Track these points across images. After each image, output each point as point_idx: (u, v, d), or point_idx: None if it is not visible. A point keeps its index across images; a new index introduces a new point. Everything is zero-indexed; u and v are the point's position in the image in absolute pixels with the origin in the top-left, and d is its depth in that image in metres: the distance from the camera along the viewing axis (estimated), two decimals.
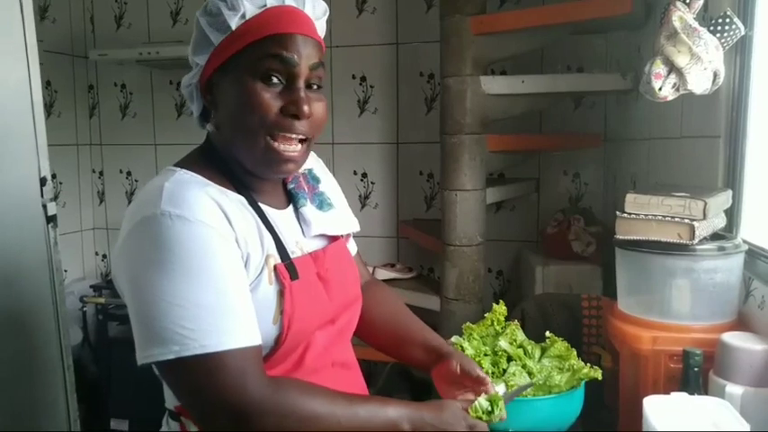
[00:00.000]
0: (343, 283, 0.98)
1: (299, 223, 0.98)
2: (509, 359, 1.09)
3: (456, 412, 0.89)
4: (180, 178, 0.85)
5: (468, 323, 1.18)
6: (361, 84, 2.58)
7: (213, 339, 0.76)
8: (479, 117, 1.94)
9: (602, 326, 1.50)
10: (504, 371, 1.07)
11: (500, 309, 1.16)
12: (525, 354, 1.10)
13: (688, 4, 1.20)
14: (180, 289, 0.76)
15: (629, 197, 1.15)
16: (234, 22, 0.85)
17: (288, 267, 0.87)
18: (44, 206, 1.44)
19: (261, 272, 0.85)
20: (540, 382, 1.05)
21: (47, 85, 2.65)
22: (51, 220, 1.46)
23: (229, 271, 0.80)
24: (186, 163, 0.90)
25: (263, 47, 0.85)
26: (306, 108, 0.85)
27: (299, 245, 0.94)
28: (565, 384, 1.06)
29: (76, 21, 2.84)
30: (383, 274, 2.34)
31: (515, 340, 1.12)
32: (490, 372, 1.05)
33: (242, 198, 0.89)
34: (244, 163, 0.89)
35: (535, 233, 2.41)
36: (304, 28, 0.88)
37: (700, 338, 1.09)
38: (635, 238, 1.15)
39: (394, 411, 0.85)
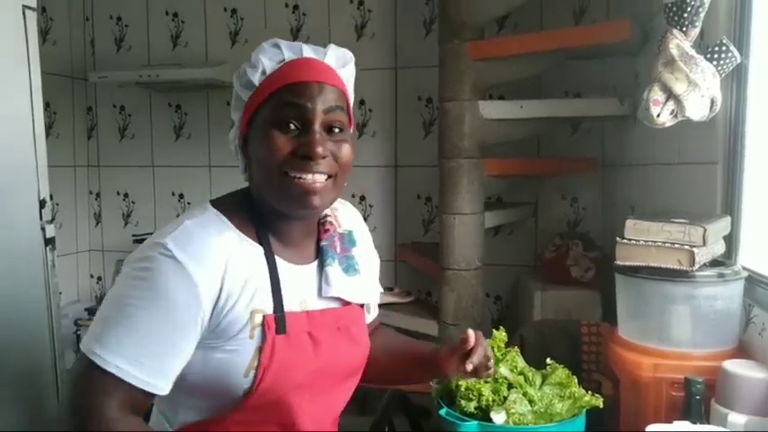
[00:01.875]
0: (339, 350, 0.97)
1: (320, 280, 0.99)
2: (510, 386, 1.08)
3: None
4: (205, 219, 0.91)
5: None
6: (359, 107, 2.60)
7: (112, 358, 0.83)
8: (477, 141, 1.95)
9: (601, 352, 1.49)
10: (505, 398, 1.05)
11: (500, 335, 1.15)
12: (526, 381, 1.09)
13: (685, 32, 1.21)
14: (130, 312, 0.84)
15: (629, 223, 1.15)
16: (256, 79, 0.92)
17: (277, 320, 0.90)
18: (42, 228, 1.44)
19: (244, 325, 0.88)
20: (542, 410, 1.04)
21: (46, 106, 2.65)
22: (50, 242, 1.45)
23: (176, 323, 0.85)
24: (223, 202, 0.96)
25: (280, 97, 0.90)
26: (319, 149, 0.89)
27: (305, 303, 0.96)
28: (566, 412, 1.05)
29: (77, 43, 2.86)
30: (381, 298, 2.32)
31: (516, 367, 1.11)
32: (491, 399, 1.04)
33: (258, 249, 0.93)
34: (271, 203, 0.93)
35: (533, 258, 2.41)
36: (319, 76, 0.92)
37: (701, 366, 1.08)
38: (635, 263, 1.14)
39: None
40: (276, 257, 0.94)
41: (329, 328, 0.97)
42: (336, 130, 0.93)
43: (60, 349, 1.49)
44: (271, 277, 0.92)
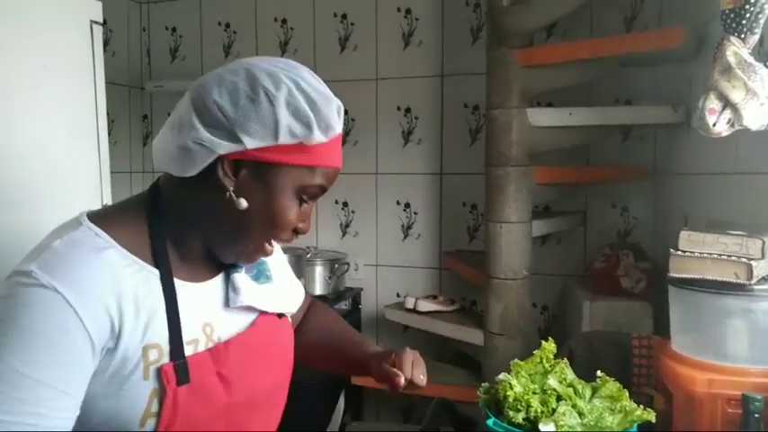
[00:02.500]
0: (252, 374, 0.87)
1: (227, 291, 0.89)
2: (558, 398, 1.06)
3: None
4: (77, 238, 0.76)
5: (516, 360, 1.16)
6: (405, 115, 2.61)
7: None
8: (525, 149, 1.93)
9: (653, 366, 1.45)
10: (554, 410, 1.04)
11: (549, 346, 1.14)
12: (576, 393, 1.07)
13: (743, 39, 1.18)
14: (6, 353, 0.69)
15: (683, 234, 1.12)
16: (315, 141, 0.79)
17: (177, 369, 0.77)
18: None
19: (136, 365, 0.76)
20: (592, 423, 1.02)
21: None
22: None
23: (62, 359, 0.71)
24: (104, 218, 0.81)
25: (317, 175, 0.82)
26: (308, 227, 0.87)
27: (209, 329, 0.84)
28: (617, 426, 1.03)
29: (134, 54, 2.98)
30: (425, 305, 2.33)
31: (565, 379, 1.09)
32: (539, 411, 1.03)
33: (152, 273, 0.80)
34: (216, 250, 0.85)
35: (582, 268, 2.37)
36: (341, 161, 0.86)
37: (759, 383, 1.04)
38: (689, 276, 1.12)
39: None
40: (175, 280, 0.81)
41: (240, 358, 0.85)
42: None
43: None
44: (167, 307, 0.79)
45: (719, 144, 1.39)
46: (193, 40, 2.91)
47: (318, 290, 2.51)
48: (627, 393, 1.09)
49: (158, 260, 0.81)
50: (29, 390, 0.69)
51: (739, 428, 0.97)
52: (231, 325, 0.88)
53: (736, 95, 1.16)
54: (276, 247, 0.96)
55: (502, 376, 1.12)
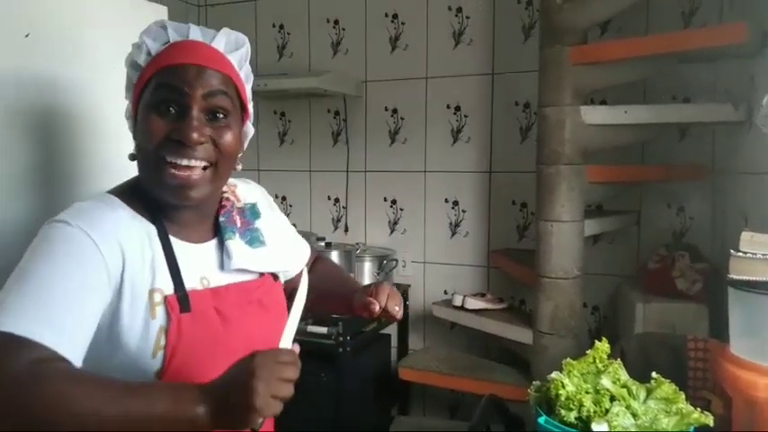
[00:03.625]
0: (251, 324, 0.95)
1: (221, 256, 0.98)
2: (612, 399, 1.06)
3: (241, 390, 0.72)
4: (98, 200, 0.91)
5: (568, 359, 1.16)
6: (455, 113, 2.62)
7: (10, 319, 0.74)
8: (578, 147, 1.91)
9: (709, 369, 1.42)
10: (607, 410, 1.03)
11: (603, 346, 1.13)
12: (629, 394, 1.06)
13: None
14: (27, 273, 0.79)
15: (745, 235, 1.10)
16: (141, 59, 0.92)
17: (180, 300, 0.88)
18: None
19: (144, 306, 0.86)
20: (646, 424, 1.01)
21: None
22: None
23: (78, 280, 0.80)
24: (117, 189, 0.96)
25: (159, 79, 0.90)
26: (194, 135, 0.87)
27: (206, 280, 0.94)
28: (672, 429, 1.02)
29: None
30: (473, 303, 2.33)
31: (619, 379, 1.09)
32: (592, 411, 1.03)
33: (152, 228, 0.92)
34: (150, 191, 0.92)
35: (635, 268, 2.32)
36: (201, 59, 0.90)
37: None
38: (751, 278, 1.09)
39: (191, 401, 0.72)
40: (171, 237, 0.93)
41: (237, 302, 0.95)
42: (220, 115, 0.91)
43: None
44: (166, 256, 0.90)
45: None
46: (249, 41, 2.97)
47: None
48: (683, 396, 1.07)
49: (152, 216, 0.93)
50: (56, 305, 0.78)
51: None
52: (227, 281, 0.97)
53: None
54: (274, 213, 1.12)
55: (554, 375, 1.12)
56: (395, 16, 2.68)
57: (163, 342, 0.86)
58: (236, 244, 0.99)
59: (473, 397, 2.30)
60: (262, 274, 1.03)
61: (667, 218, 2.31)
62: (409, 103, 2.67)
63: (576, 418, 1.04)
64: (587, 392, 1.06)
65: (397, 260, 2.66)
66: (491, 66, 2.55)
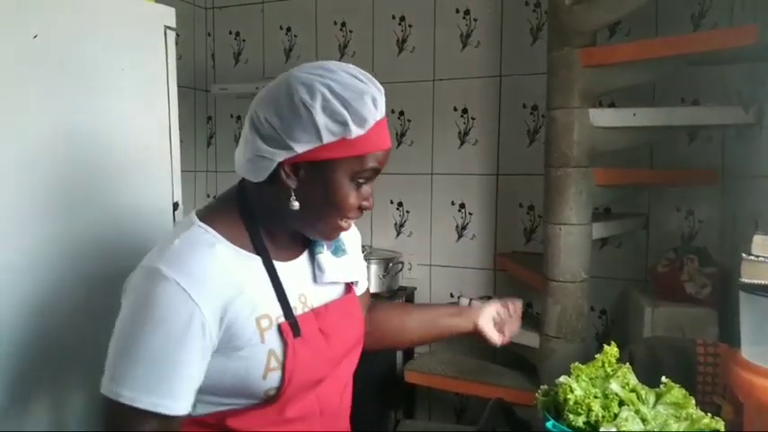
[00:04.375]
0: (344, 333, 1.06)
1: (314, 269, 1.06)
2: (621, 403, 1.04)
3: None
4: (192, 236, 0.92)
5: (576, 363, 1.15)
6: (462, 115, 2.61)
7: (130, 392, 0.84)
8: (587, 150, 1.90)
9: (719, 374, 1.41)
10: (616, 415, 1.02)
11: (612, 350, 1.12)
12: (638, 399, 1.05)
13: None
14: (137, 342, 0.85)
15: (758, 239, 1.08)
16: (354, 134, 0.89)
17: (292, 326, 0.95)
18: None
19: (252, 333, 0.92)
20: (656, 429, 1.00)
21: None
22: None
23: (185, 343, 0.86)
24: (209, 214, 0.97)
25: (367, 160, 0.93)
26: (371, 203, 0.98)
27: (303, 298, 1.01)
28: None
29: (200, 57, 3.08)
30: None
31: (627, 384, 1.07)
32: (600, 415, 1.02)
33: (257, 259, 0.96)
34: (303, 232, 1.00)
35: (643, 272, 2.31)
36: (389, 141, 0.97)
37: None
38: (763, 282, 1.08)
39: None
40: (275, 263, 0.97)
41: (335, 319, 1.03)
42: None
43: None
44: (273, 284, 0.96)
45: None
46: (256, 43, 2.99)
47: (373, 288, 2.54)
48: (693, 401, 1.06)
49: (257, 247, 0.96)
50: (159, 368, 0.85)
51: None
52: (320, 295, 1.05)
53: None
54: (352, 228, 1.16)
55: (562, 379, 1.11)
56: (402, 18, 2.67)
57: (273, 365, 0.93)
58: (325, 257, 1.06)
59: (479, 401, 2.28)
60: (347, 284, 1.12)
61: (676, 221, 2.29)
62: (416, 106, 2.66)
63: (584, 423, 1.03)
64: (596, 397, 1.05)
65: (403, 263, 2.65)
66: (499, 68, 2.54)
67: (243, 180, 1.00)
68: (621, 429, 0.99)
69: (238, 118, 3.06)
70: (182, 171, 3.04)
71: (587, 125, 1.89)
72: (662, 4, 2.22)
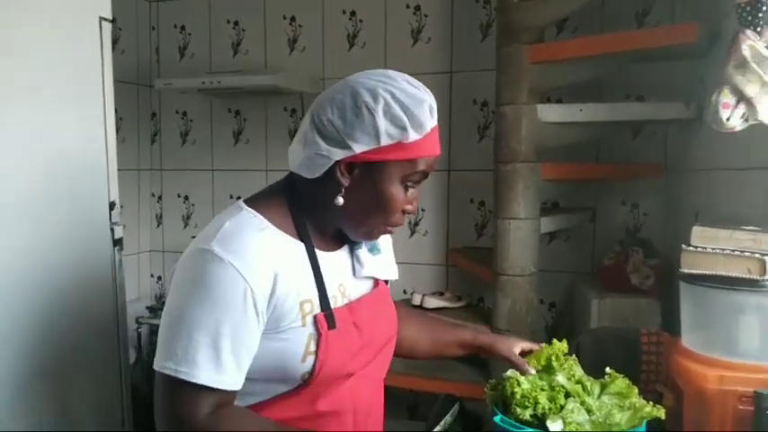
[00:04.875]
0: (377, 328, 1.09)
1: (353, 262, 1.10)
2: (567, 395, 1.05)
3: None
4: (241, 219, 0.97)
5: (525, 358, 1.17)
6: None
7: (188, 368, 0.89)
8: (535, 145, 1.92)
9: (662, 363, 1.44)
10: (562, 407, 1.03)
11: (561, 346, 1.14)
12: (584, 390, 1.06)
13: (759, 33, 1.16)
14: (193, 320, 0.89)
15: (696, 230, 1.11)
16: (411, 139, 0.96)
17: (327, 317, 0.98)
18: (111, 229, 1.51)
19: (296, 316, 0.96)
20: (600, 420, 1.01)
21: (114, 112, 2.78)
22: (117, 243, 1.52)
23: (238, 320, 0.90)
24: (256, 202, 1.02)
25: (418, 164, 0.99)
26: (415, 207, 1.04)
27: (342, 288, 1.05)
28: (626, 423, 1.02)
29: (143, 52, 2.98)
30: (432, 302, 2.32)
31: (573, 376, 1.09)
32: (547, 408, 1.02)
33: (301, 245, 1.00)
34: (346, 231, 1.04)
35: (590, 264, 2.35)
36: (438, 147, 1.03)
37: None
38: (702, 272, 1.10)
39: None
40: (316, 250, 1.02)
41: (369, 314, 1.07)
42: None
43: (126, 346, 1.55)
44: (314, 271, 1.00)
45: (733, 139, 1.37)
46: (202, 38, 2.91)
47: None
48: (636, 390, 1.08)
49: (302, 235, 1.01)
50: (215, 344, 0.89)
51: (751, 426, 0.96)
52: (357, 287, 1.10)
53: (750, 89, 1.15)
54: None
55: (509, 373, 1.11)
56: (353, 13, 2.65)
57: (312, 348, 0.97)
58: (364, 253, 1.10)
59: (433, 397, 2.29)
60: (380, 281, 1.16)
61: (621, 215, 2.34)
62: None
63: (531, 416, 1.04)
64: (542, 390, 1.06)
65: None
66: (449, 64, 2.54)
67: (291, 174, 1.05)
68: (567, 421, 1.00)
69: (184, 114, 2.98)
70: (125, 170, 2.95)
71: (535, 121, 1.91)
72: (608, 3, 2.26)
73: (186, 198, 3.02)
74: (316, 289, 0.99)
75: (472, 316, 2.24)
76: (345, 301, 1.05)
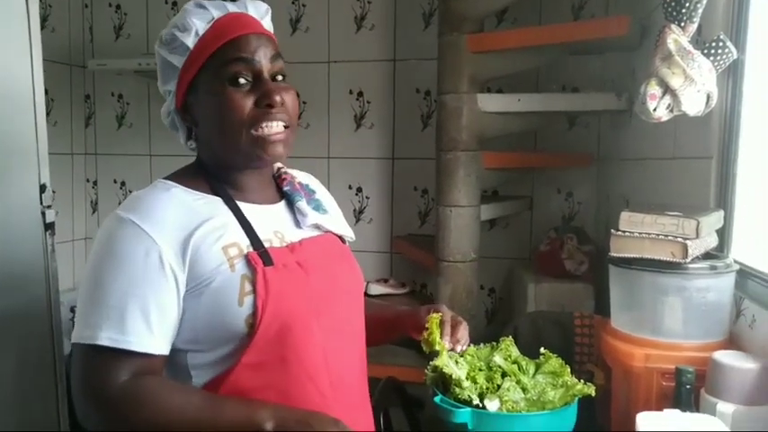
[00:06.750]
0: (330, 274, 1.00)
1: (295, 216, 1.03)
2: (504, 375, 1.09)
3: (323, 419, 0.85)
4: (154, 186, 0.95)
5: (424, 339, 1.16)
6: (357, 99, 2.60)
7: (91, 332, 0.84)
8: (475, 134, 1.96)
9: (594, 344, 1.51)
10: (499, 386, 1.07)
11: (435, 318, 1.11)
12: (520, 370, 1.10)
13: (683, 28, 1.22)
14: (99, 283, 0.87)
15: (624, 215, 1.16)
16: (190, 41, 0.94)
17: (261, 255, 0.91)
18: (43, 213, 1.45)
19: (220, 263, 0.89)
20: (535, 398, 1.05)
21: (44, 93, 2.65)
22: (49, 227, 1.46)
23: (142, 277, 0.86)
24: (172, 174, 0.99)
25: (223, 54, 0.92)
26: (277, 97, 0.92)
27: (280, 234, 0.98)
28: (558, 401, 1.06)
29: (75, 30, 2.85)
30: (376, 288, 2.34)
31: (510, 356, 1.12)
32: (485, 387, 1.05)
33: (215, 199, 0.96)
34: (234, 161, 0.97)
35: (528, 251, 2.43)
36: (253, 27, 0.96)
37: (692, 357, 1.10)
38: (628, 255, 1.16)
39: (262, 412, 0.84)
40: (239, 203, 0.97)
41: (315, 255, 0.99)
42: (280, 78, 0.97)
43: (59, 335, 1.50)
44: (236, 216, 0.95)
45: (660, 130, 1.44)
46: (139, 17, 2.81)
47: None
48: (569, 369, 1.12)
49: (214, 189, 0.97)
50: (120, 304, 0.85)
51: (673, 400, 1.02)
52: (301, 236, 1.01)
53: (675, 82, 1.21)
54: (323, 190, 1.15)
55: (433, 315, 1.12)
56: None
57: (248, 288, 0.89)
58: (305, 206, 1.03)
59: (374, 380, 2.31)
60: (333, 234, 1.08)
61: (557, 202, 2.42)
62: (312, 88, 2.62)
63: (469, 396, 1.06)
64: (480, 370, 1.09)
65: None
66: (393, 52, 2.55)
67: None
68: (504, 399, 1.04)
69: (120, 97, 2.87)
70: (57, 154, 2.82)
71: (475, 110, 1.94)
72: None
73: (123, 184, 2.92)
74: (244, 235, 0.93)
75: (415, 302, 2.28)
76: (284, 245, 0.97)
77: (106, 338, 0.83)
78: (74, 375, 0.87)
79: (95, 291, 0.87)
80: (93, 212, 2.97)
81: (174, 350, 0.91)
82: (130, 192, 2.86)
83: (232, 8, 0.98)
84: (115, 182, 2.92)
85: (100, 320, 0.84)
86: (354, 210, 2.64)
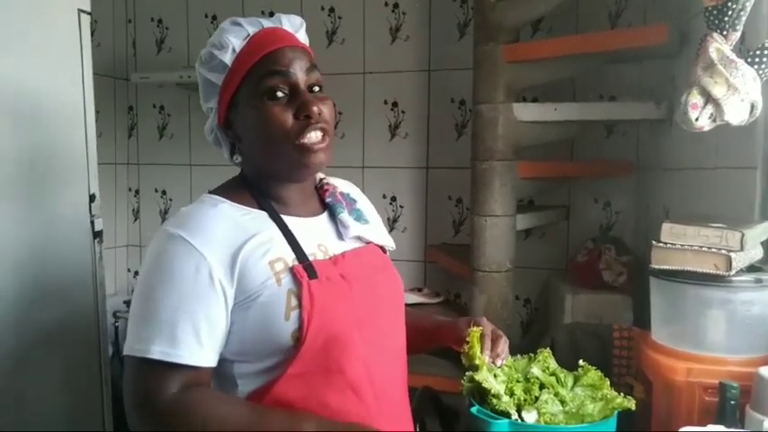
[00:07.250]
0: (372, 286, 1.02)
1: (337, 228, 1.05)
2: (541, 386, 1.08)
3: (366, 431, 0.88)
4: (201, 201, 0.98)
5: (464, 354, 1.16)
6: (392, 109, 2.62)
7: (143, 345, 0.87)
8: (511, 143, 1.95)
9: (633, 357, 1.48)
10: (537, 398, 1.06)
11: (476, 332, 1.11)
12: (558, 382, 1.09)
13: (725, 36, 1.20)
14: (150, 298, 0.89)
15: (666, 226, 1.15)
16: (228, 59, 0.97)
17: (305, 268, 0.93)
18: (92, 222, 1.50)
19: (267, 278, 0.92)
20: (573, 410, 1.04)
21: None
22: (98, 235, 1.51)
23: (193, 292, 0.89)
24: (218, 188, 1.03)
25: (259, 69, 0.95)
26: (315, 108, 0.95)
27: (324, 247, 1.00)
28: (597, 414, 1.05)
29: (119, 45, 2.95)
30: (410, 298, 2.34)
31: (548, 368, 1.11)
32: (522, 399, 1.05)
33: (263, 213, 0.98)
34: (278, 173, 0.99)
35: (564, 261, 2.40)
36: (287, 41, 0.99)
37: (735, 371, 1.07)
38: (670, 267, 1.14)
39: (306, 424, 0.86)
40: (284, 216, 0.99)
41: (358, 267, 1.01)
42: (317, 89, 0.99)
43: (106, 339, 1.54)
44: (282, 231, 0.97)
45: (702, 139, 1.42)
46: (180, 31, 2.89)
47: None
48: (608, 382, 1.11)
49: (260, 204, 0.99)
50: (171, 318, 0.87)
51: (716, 416, 1.00)
52: (344, 248, 1.03)
53: (718, 91, 1.18)
54: (365, 199, 1.17)
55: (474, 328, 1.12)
56: (331, 10, 2.65)
57: (294, 303, 0.91)
58: (347, 217, 1.05)
59: (411, 390, 2.31)
60: (374, 245, 1.10)
61: (594, 212, 2.39)
62: (347, 99, 2.65)
63: (506, 408, 1.06)
64: (518, 381, 1.08)
65: None
66: (428, 62, 2.56)
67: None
68: (541, 411, 1.03)
69: (161, 108, 2.95)
70: (102, 164, 2.91)
71: (511, 119, 1.94)
72: (582, 4, 2.30)
73: (164, 193, 2.99)
74: (289, 249, 0.95)
75: (449, 312, 2.27)
76: (328, 257, 0.99)
77: (158, 352, 0.86)
78: (126, 388, 0.90)
79: (147, 305, 0.89)
80: (135, 220, 3.05)
81: (221, 360, 0.93)
82: (171, 200, 2.94)
83: (267, 24, 1.01)
84: (156, 191, 2.99)
85: (152, 335, 0.87)
86: (389, 219, 2.66)
